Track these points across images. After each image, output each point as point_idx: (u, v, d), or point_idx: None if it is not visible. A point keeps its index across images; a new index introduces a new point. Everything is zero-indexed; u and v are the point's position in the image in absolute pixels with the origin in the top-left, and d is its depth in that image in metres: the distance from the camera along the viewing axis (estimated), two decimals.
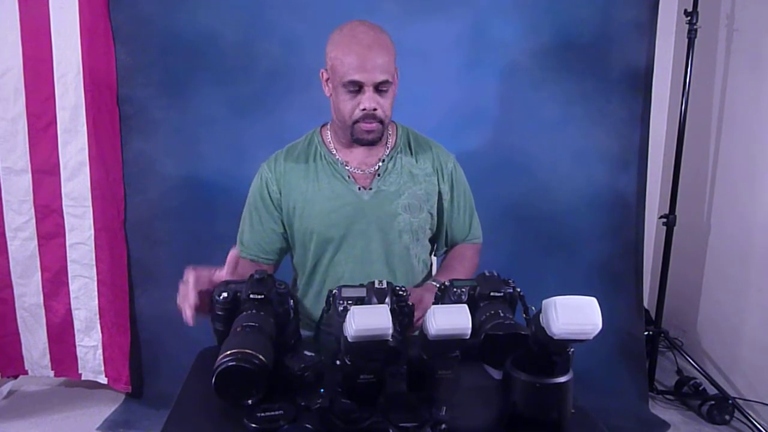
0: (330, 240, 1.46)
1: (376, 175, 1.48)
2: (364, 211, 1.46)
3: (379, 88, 1.37)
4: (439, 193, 1.55)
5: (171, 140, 2.25)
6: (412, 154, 1.54)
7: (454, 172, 1.58)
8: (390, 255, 1.49)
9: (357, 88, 1.36)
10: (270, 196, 1.48)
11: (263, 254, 1.51)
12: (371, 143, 1.44)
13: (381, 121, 1.40)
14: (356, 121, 1.39)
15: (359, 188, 1.47)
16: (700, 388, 2.35)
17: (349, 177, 1.47)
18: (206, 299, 1.10)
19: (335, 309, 1.08)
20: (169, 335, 2.27)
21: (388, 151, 1.51)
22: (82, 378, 2.34)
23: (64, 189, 2.19)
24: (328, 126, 1.53)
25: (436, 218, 1.56)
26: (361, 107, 1.37)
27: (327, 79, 1.43)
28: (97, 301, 2.26)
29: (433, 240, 1.62)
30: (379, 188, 1.47)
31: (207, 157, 2.26)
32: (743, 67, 2.41)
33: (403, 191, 1.48)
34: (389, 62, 1.37)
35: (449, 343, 0.92)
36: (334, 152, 1.50)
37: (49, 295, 2.26)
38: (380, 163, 1.50)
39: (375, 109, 1.37)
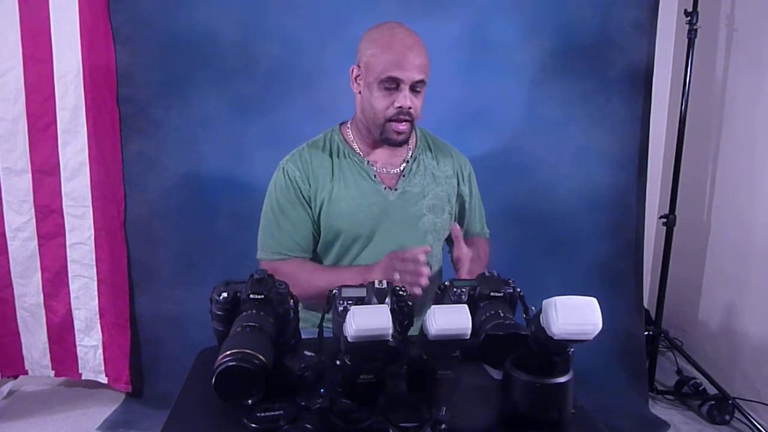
0: (356, 239, 1.45)
1: (401, 176, 1.48)
2: (390, 211, 1.45)
3: (414, 88, 1.37)
4: (460, 195, 1.56)
5: (171, 140, 2.25)
6: (432, 155, 1.54)
7: (471, 174, 1.60)
8: None
9: (394, 85, 1.36)
10: (301, 191, 1.45)
11: (303, 252, 1.48)
12: (399, 144, 1.43)
13: (412, 122, 1.40)
14: (389, 120, 1.38)
15: (385, 188, 1.46)
16: (700, 388, 2.35)
17: (375, 176, 1.47)
18: None
19: (335, 309, 1.08)
20: (169, 335, 2.27)
21: (411, 152, 1.51)
22: (83, 378, 2.34)
23: (64, 189, 2.19)
24: (348, 124, 1.52)
25: (455, 219, 1.57)
26: (397, 104, 1.37)
27: (357, 77, 1.42)
28: (97, 301, 2.26)
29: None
30: (405, 189, 1.47)
31: (207, 156, 2.26)
32: (743, 67, 2.41)
33: (427, 192, 1.49)
34: (426, 65, 1.38)
35: (449, 343, 0.92)
36: (358, 151, 1.49)
37: (49, 295, 2.26)
38: (405, 164, 1.50)
39: (410, 108, 1.37)
